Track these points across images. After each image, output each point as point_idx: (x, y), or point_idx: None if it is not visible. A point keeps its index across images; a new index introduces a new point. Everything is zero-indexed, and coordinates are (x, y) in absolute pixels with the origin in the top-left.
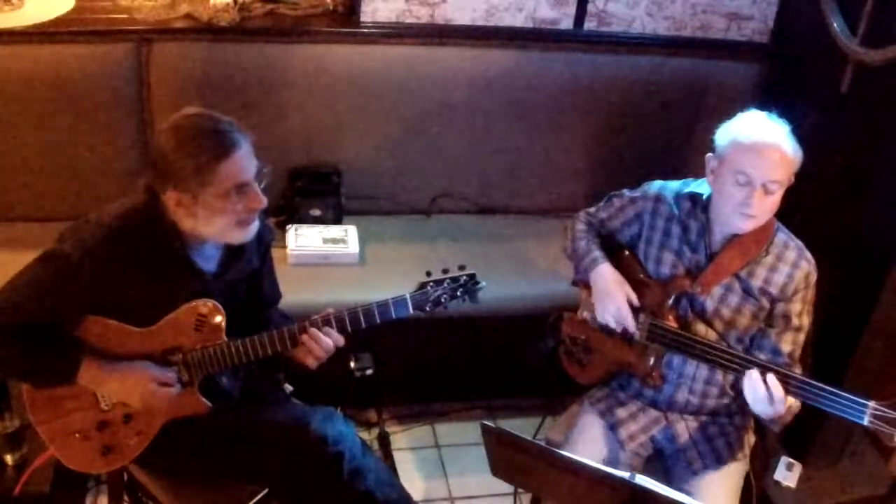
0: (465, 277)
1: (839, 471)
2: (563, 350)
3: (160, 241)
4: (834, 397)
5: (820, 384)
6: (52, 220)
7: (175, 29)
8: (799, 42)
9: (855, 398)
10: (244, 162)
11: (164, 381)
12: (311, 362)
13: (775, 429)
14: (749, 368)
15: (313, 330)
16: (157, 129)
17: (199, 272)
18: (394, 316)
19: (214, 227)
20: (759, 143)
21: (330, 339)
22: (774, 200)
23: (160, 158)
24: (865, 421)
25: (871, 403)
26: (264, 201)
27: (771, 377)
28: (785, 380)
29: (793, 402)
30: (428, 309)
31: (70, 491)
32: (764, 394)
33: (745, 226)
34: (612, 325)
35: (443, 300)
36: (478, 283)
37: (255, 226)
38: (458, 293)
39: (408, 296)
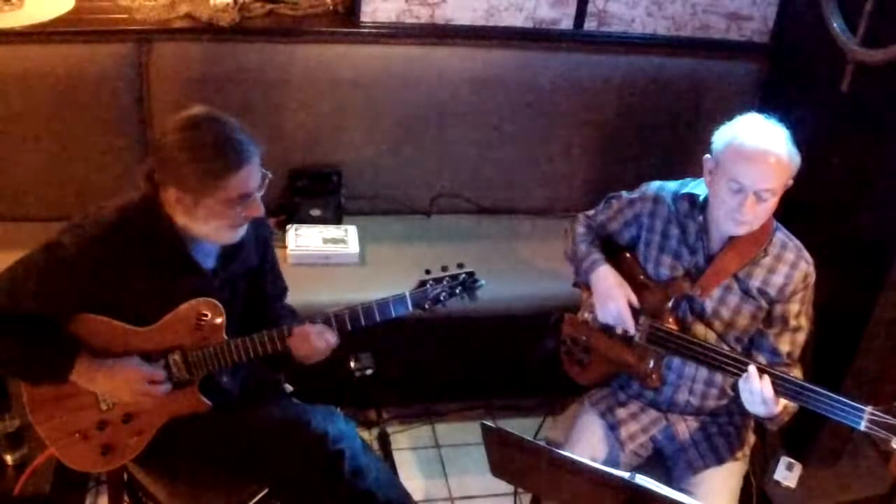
0: (464, 275)
1: (839, 471)
2: (563, 350)
3: (159, 237)
4: (831, 402)
5: (818, 388)
6: (51, 219)
7: (175, 29)
8: (799, 42)
9: (852, 403)
10: (253, 173)
11: (153, 378)
12: (304, 359)
13: (772, 427)
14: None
15: (299, 329)
16: (167, 123)
17: (197, 268)
18: (393, 314)
19: (208, 228)
20: (753, 150)
21: (321, 342)
22: (768, 207)
23: (168, 156)
24: (862, 426)
25: (868, 408)
26: (263, 210)
27: (764, 377)
28: (782, 384)
29: (788, 402)
30: (427, 307)
31: (70, 491)
32: (759, 391)
33: (738, 230)
34: (612, 323)
35: (442, 298)
36: (477, 280)
37: (245, 227)
38: (458, 291)
39: (407, 294)
